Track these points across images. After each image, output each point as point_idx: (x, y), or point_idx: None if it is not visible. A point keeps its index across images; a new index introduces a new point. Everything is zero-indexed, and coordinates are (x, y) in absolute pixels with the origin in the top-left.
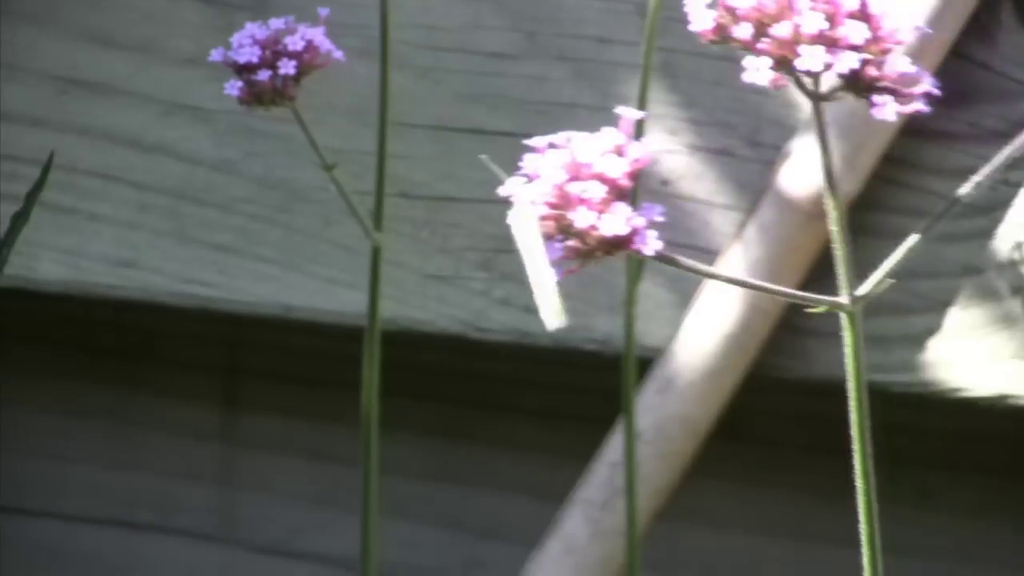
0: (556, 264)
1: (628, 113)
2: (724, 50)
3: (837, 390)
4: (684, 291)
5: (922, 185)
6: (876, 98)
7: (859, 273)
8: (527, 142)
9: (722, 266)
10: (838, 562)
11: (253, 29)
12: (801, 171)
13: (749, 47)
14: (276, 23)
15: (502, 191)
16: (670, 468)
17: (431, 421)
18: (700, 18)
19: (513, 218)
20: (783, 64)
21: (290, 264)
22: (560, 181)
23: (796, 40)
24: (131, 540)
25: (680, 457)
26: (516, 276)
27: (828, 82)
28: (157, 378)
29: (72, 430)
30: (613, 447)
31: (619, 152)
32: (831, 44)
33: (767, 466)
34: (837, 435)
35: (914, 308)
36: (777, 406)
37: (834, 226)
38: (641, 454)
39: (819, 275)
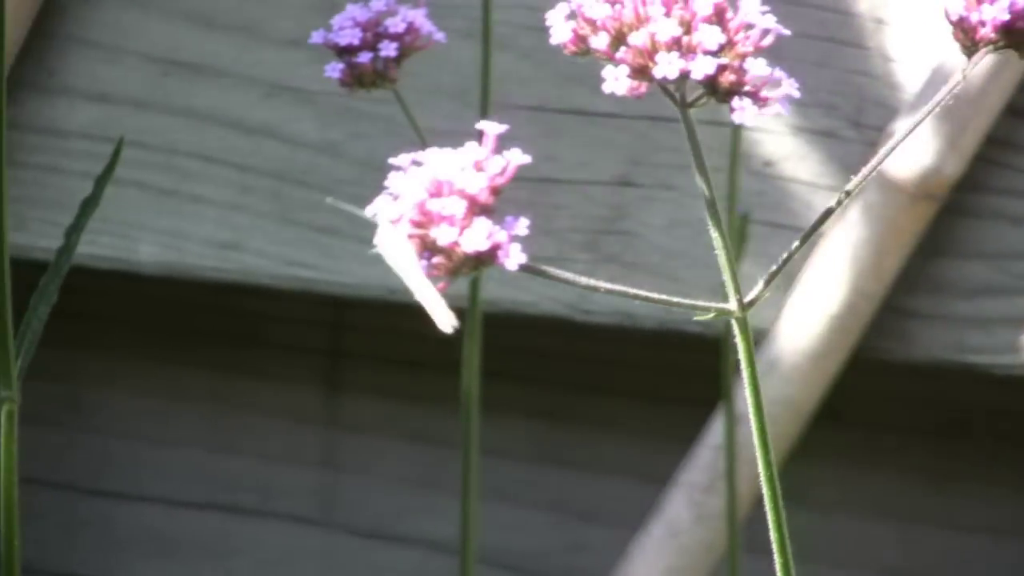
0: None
1: (490, 128)
2: (828, 31)
3: (941, 372)
4: (787, 272)
5: None
6: (735, 103)
7: (960, 253)
8: (391, 160)
9: (827, 247)
10: (941, 544)
11: (354, 11)
12: (904, 152)
13: (608, 57)
14: (377, 5)
15: (368, 211)
16: (774, 450)
17: (534, 404)
18: (559, 30)
19: (380, 238)
20: (642, 73)
21: None
22: (421, 199)
23: (654, 48)
24: (233, 524)
25: (784, 439)
26: (620, 257)
27: (693, 89)
28: (259, 361)
29: (174, 414)
30: (716, 430)
31: (479, 168)
32: (689, 51)
33: (871, 448)
34: (940, 417)
35: (1017, 290)
36: (881, 388)
37: (715, 233)
38: (744, 436)
39: (923, 255)
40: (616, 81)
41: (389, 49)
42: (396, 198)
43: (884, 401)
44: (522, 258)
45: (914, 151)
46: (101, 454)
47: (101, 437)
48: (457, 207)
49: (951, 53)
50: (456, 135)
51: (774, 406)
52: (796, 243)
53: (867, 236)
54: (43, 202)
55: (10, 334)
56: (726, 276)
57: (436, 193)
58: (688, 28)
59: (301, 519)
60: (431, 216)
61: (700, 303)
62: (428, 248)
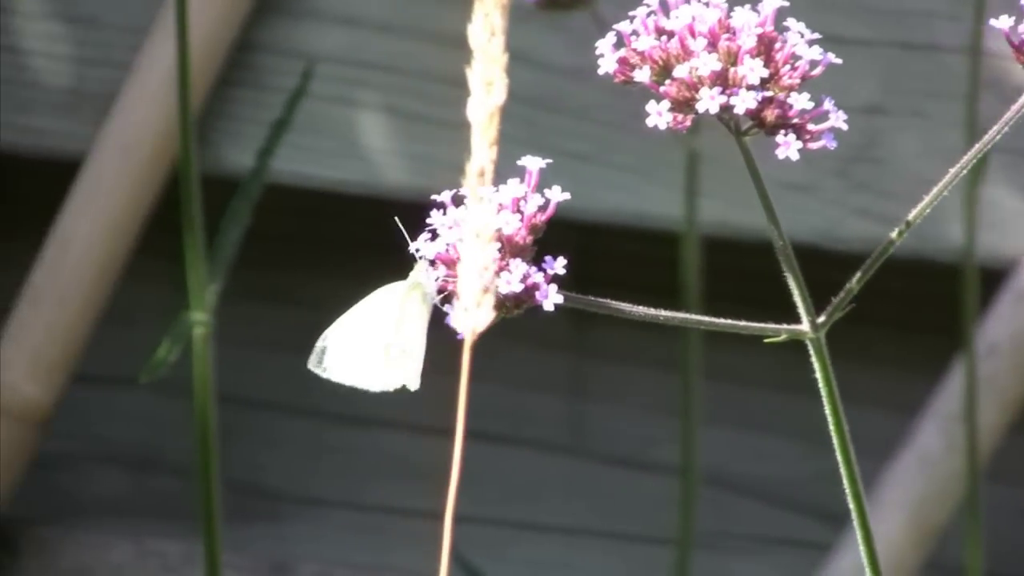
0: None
1: (531, 164)
2: None
3: None
4: None
5: None
6: (779, 137)
7: None
8: (434, 197)
9: None
10: None
11: None
12: None
13: (653, 90)
14: None
15: (411, 248)
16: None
17: None
18: (607, 60)
19: (419, 276)
20: (686, 106)
21: (645, 172)
22: (455, 240)
23: (699, 81)
24: (480, 451)
25: None
26: (871, 185)
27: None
28: None
29: None
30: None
31: (516, 208)
32: (734, 84)
33: None
34: None
35: None
36: None
37: (788, 270)
38: (996, 367)
39: None
40: (659, 116)
41: None
42: (435, 237)
43: None
44: (559, 299)
45: None
46: None
47: None
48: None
49: None
50: None
51: None
52: (859, 273)
53: None
54: (290, 126)
55: (202, 261)
56: (797, 298)
57: None
58: (734, 60)
59: (549, 446)
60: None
61: (771, 325)
62: None
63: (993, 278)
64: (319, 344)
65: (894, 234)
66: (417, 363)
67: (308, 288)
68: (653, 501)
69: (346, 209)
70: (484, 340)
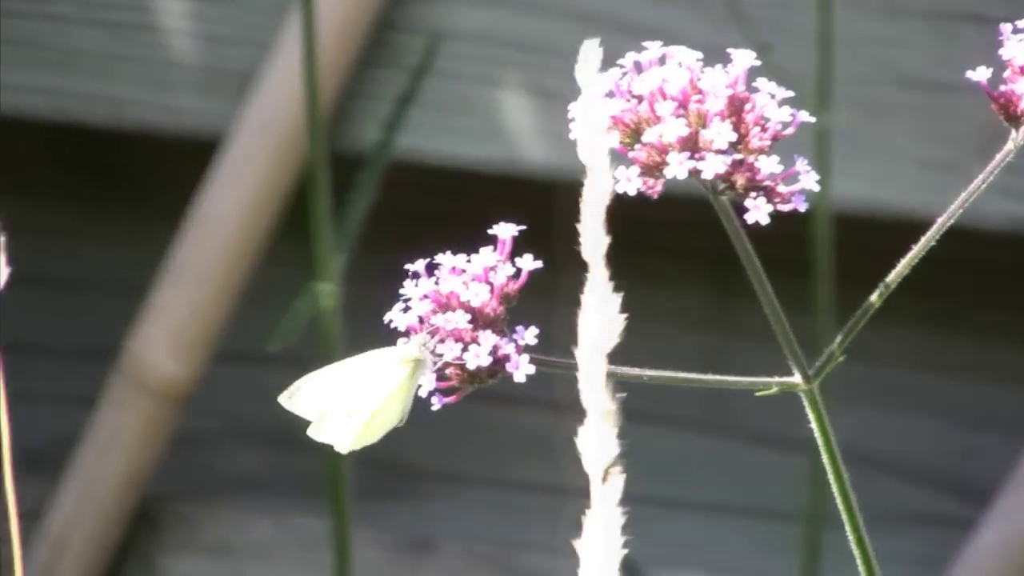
0: (438, 392)
1: (503, 232)
2: None
3: None
4: None
5: None
6: (748, 201)
7: None
8: (408, 266)
9: None
10: None
11: None
12: None
13: (623, 154)
14: None
15: (386, 318)
16: None
17: (925, 311)
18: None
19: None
20: (655, 170)
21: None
22: (426, 312)
23: (668, 146)
24: (626, 428)
25: None
26: (1015, 163)
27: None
28: (647, 264)
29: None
30: None
31: (486, 278)
32: (704, 147)
33: None
34: None
35: None
36: None
37: (768, 311)
38: None
39: None
40: (628, 182)
41: None
42: (407, 309)
43: None
44: (530, 369)
45: None
46: None
47: None
48: (461, 321)
49: None
50: (846, 41)
51: None
52: (868, 313)
53: None
54: (429, 105)
55: (328, 233)
56: (787, 352)
57: (443, 306)
58: (703, 122)
59: (691, 423)
60: (438, 330)
61: (762, 379)
62: (437, 359)
63: None
64: (298, 383)
65: (874, 296)
66: (353, 430)
67: None
68: (794, 478)
69: (485, 187)
70: (626, 320)
